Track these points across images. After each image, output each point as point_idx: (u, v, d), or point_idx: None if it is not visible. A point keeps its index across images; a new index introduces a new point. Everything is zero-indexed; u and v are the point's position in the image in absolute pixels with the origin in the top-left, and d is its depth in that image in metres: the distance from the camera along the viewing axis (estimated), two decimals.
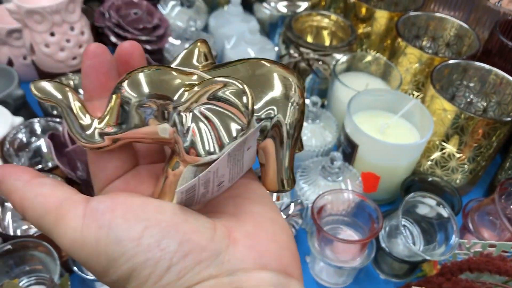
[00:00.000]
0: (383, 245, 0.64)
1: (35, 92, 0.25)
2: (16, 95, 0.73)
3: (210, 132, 0.24)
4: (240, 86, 0.24)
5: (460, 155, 0.72)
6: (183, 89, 0.24)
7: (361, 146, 0.69)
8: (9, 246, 0.54)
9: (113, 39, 0.85)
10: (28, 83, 0.83)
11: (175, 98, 0.24)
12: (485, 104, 0.78)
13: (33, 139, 0.73)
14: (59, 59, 0.75)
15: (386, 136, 0.72)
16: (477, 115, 0.67)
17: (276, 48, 0.92)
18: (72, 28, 0.75)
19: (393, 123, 0.73)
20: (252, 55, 0.87)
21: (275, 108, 0.26)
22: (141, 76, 0.24)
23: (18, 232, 0.63)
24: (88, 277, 0.59)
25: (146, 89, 0.24)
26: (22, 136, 0.70)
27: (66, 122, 0.25)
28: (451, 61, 0.75)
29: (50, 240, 0.55)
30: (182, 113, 0.24)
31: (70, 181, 0.61)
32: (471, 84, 0.78)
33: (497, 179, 0.77)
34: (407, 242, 0.60)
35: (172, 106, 0.24)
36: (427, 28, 0.87)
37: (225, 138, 0.24)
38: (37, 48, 0.74)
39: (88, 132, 0.25)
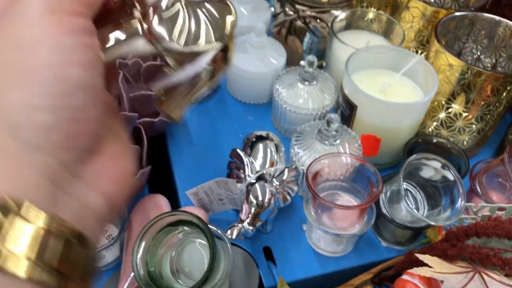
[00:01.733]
0: (384, 211, 0.60)
1: None
2: None
3: (187, 26, 0.25)
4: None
5: (467, 114, 0.68)
6: None
7: (360, 106, 0.64)
8: None
9: None
10: None
11: None
12: (494, 60, 0.73)
13: None
14: None
15: (388, 95, 0.67)
16: (486, 70, 0.62)
17: (272, 9, 0.86)
18: None
19: (395, 82, 0.68)
20: (245, 14, 0.82)
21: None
22: None
23: None
24: None
25: None
26: None
27: None
28: (457, 13, 0.69)
29: None
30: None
31: None
32: (479, 39, 0.72)
33: (507, 138, 0.72)
34: (409, 207, 0.56)
35: None
36: None
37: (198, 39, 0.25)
38: None
39: None
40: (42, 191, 0.19)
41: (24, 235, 0.17)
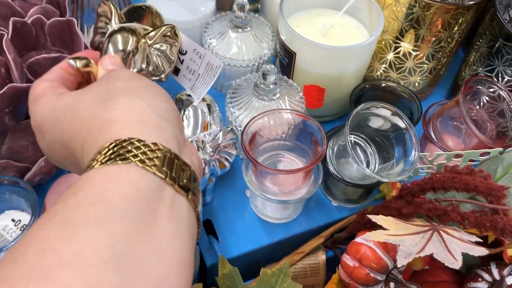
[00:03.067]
0: (331, 169, 0.54)
1: None
2: None
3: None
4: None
5: (418, 53, 0.61)
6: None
7: (299, 54, 0.57)
8: None
9: None
10: None
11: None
12: None
13: None
14: None
15: (330, 38, 0.60)
16: (435, 1, 0.55)
17: None
18: None
19: (337, 22, 0.61)
20: None
21: None
22: None
23: None
24: None
25: None
26: None
27: None
28: None
29: None
30: None
31: None
32: None
33: (461, 76, 0.67)
34: (357, 164, 0.50)
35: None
36: None
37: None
38: None
39: None
40: (174, 144, 0.30)
41: (168, 162, 0.29)
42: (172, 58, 0.48)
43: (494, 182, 0.45)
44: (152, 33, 0.44)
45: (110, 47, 0.42)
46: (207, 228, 0.56)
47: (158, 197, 0.27)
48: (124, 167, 0.27)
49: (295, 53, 0.57)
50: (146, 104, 0.31)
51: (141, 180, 0.27)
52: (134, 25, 0.45)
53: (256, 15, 0.65)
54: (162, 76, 0.47)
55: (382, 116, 0.54)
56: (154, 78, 0.47)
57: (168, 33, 0.46)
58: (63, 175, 0.54)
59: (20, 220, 0.52)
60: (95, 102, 0.32)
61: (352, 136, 0.55)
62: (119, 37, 0.43)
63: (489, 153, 0.53)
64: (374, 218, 0.47)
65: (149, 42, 0.44)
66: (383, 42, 0.62)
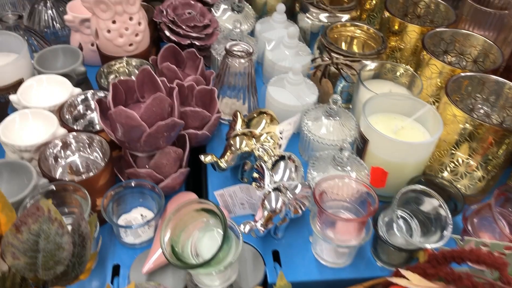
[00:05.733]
0: (380, 233, 0.69)
1: None
2: (79, 71, 0.85)
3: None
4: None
5: (469, 161, 0.76)
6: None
7: (372, 141, 0.75)
8: (52, 187, 0.65)
9: (167, 33, 0.96)
10: (93, 66, 0.97)
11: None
12: (501, 118, 0.81)
13: (89, 112, 0.84)
14: (118, 44, 0.87)
15: (399, 136, 0.77)
16: (484, 121, 0.71)
17: (312, 55, 0.99)
18: (131, 18, 0.87)
19: (407, 125, 0.78)
20: (288, 55, 0.95)
21: None
22: None
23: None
24: (115, 223, 0.69)
25: None
26: (79, 108, 0.82)
27: None
28: (468, 73, 0.79)
29: (87, 186, 0.66)
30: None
31: (112, 144, 0.72)
32: (488, 97, 0.81)
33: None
34: (398, 228, 0.64)
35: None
36: (454, 44, 0.91)
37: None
38: (101, 33, 0.86)
39: None
40: None
41: None
42: (272, 152, 0.76)
43: (499, 256, 0.57)
44: (257, 138, 0.78)
45: (233, 143, 0.75)
46: (275, 256, 0.72)
47: None
48: None
49: (368, 140, 0.75)
50: None
51: None
52: (250, 130, 0.78)
53: (347, 110, 0.85)
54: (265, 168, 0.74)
55: (430, 203, 0.69)
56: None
57: (268, 138, 0.78)
58: (182, 191, 0.75)
59: (146, 216, 0.73)
60: None
61: (399, 210, 0.70)
62: (238, 139, 0.76)
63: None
64: (404, 272, 0.61)
65: (255, 143, 0.77)
66: (442, 148, 0.78)
